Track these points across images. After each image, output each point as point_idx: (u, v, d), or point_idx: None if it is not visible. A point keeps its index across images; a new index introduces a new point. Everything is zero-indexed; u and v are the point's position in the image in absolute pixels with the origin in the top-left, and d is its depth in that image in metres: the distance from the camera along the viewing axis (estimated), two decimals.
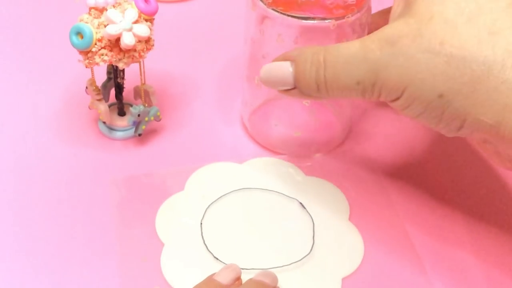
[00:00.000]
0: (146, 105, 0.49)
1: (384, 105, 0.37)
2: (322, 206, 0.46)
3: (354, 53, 0.35)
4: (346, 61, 0.36)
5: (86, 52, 0.42)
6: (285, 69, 0.38)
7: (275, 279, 0.39)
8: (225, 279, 0.38)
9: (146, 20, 0.44)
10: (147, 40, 0.44)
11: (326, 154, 0.50)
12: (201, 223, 0.44)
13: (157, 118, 0.49)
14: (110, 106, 0.50)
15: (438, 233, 0.45)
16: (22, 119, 0.51)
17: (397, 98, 0.36)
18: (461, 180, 0.49)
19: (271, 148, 0.50)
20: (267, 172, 0.48)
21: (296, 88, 0.38)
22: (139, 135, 0.49)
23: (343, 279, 0.42)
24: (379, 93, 0.36)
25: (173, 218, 0.44)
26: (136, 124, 0.48)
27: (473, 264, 0.43)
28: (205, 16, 0.63)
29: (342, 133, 0.51)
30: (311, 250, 0.43)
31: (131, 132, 0.50)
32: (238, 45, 0.56)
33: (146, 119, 0.48)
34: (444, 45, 0.33)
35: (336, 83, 0.36)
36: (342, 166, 0.49)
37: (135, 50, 0.43)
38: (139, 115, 0.47)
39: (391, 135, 0.52)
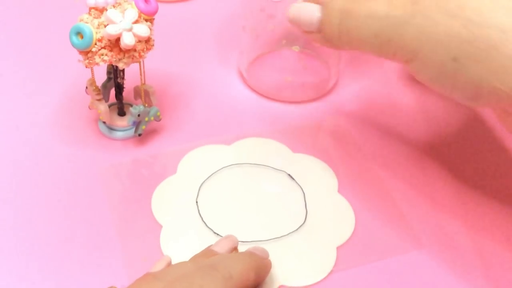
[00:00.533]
0: (146, 105, 0.49)
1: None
2: (311, 179, 0.47)
3: (379, 8, 0.36)
4: (369, 15, 0.37)
5: (86, 52, 0.42)
6: (314, 12, 0.39)
7: (265, 252, 0.40)
8: (222, 248, 0.39)
9: (146, 20, 0.44)
10: (147, 40, 0.44)
11: (316, 101, 0.54)
12: (196, 202, 0.45)
13: (157, 118, 0.49)
14: (110, 106, 0.50)
15: (425, 197, 0.47)
16: (22, 119, 0.51)
17: (412, 59, 0.36)
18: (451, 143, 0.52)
19: (266, 95, 0.54)
20: (255, 151, 0.50)
21: (320, 32, 0.39)
22: (139, 135, 0.49)
23: (338, 248, 0.43)
24: (394, 51, 0.36)
25: (169, 200, 0.45)
26: (136, 124, 0.48)
27: (461, 228, 0.45)
28: (205, 16, 0.63)
29: (330, 81, 0.55)
30: (305, 219, 0.44)
31: (131, 132, 0.50)
32: (238, 44, 0.56)
33: (146, 119, 0.48)
34: (464, 8, 0.34)
35: (357, 34, 0.37)
36: (329, 141, 0.51)
37: (135, 50, 0.43)
38: (139, 115, 0.47)
39: (376, 85, 0.56)
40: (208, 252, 0.39)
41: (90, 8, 0.43)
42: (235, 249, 0.40)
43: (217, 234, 0.43)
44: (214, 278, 0.34)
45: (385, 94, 0.56)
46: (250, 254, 0.39)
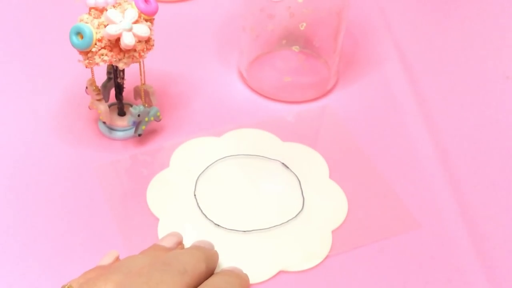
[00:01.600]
0: (146, 105, 0.49)
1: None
2: (303, 166, 0.48)
3: None
4: None
5: (86, 52, 0.42)
6: None
7: (210, 244, 0.42)
8: (168, 243, 0.41)
9: (146, 20, 0.44)
10: (147, 40, 0.44)
11: (316, 101, 0.55)
12: (194, 195, 0.46)
13: (157, 118, 0.49)
14: (110, 106, 0.50)
15: (418, 177, 0.48)
16: (22, 119, 0.51)
17: None
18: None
19: (266, 95, 0.55)
20: (245, 142, 0.50)
21: None
22: (139, 135, 0.49)
23: (333, 232, 0.44)
24: None
25: (164, 193, 0.46)
26: (136, 124, 0.48)
27: (456, 206, 0.46)
28: (205, 16, 0.63)
29: (330, 81, 0.56)
30: (303, 206, 0.45)
31: (131, 132, 0.50)
32: (238, 44, 0.56)
33: (146, 119, 0.48)
34: None
35: None
36: (317, 129, 0.53)
37: (135, 50, 0.43)
38: (139, 115, 0.48)
39: (375, 87, 0.57)
40: (156, 247, 0.40)
41: (90, 8, 0.43)
42: (180, 243, 0.42)
43: (218, 226, 0.44)
44: (171, 273, 0.36)
45: (384, 94, 0.56)
46: (198, 247, 0.40)
